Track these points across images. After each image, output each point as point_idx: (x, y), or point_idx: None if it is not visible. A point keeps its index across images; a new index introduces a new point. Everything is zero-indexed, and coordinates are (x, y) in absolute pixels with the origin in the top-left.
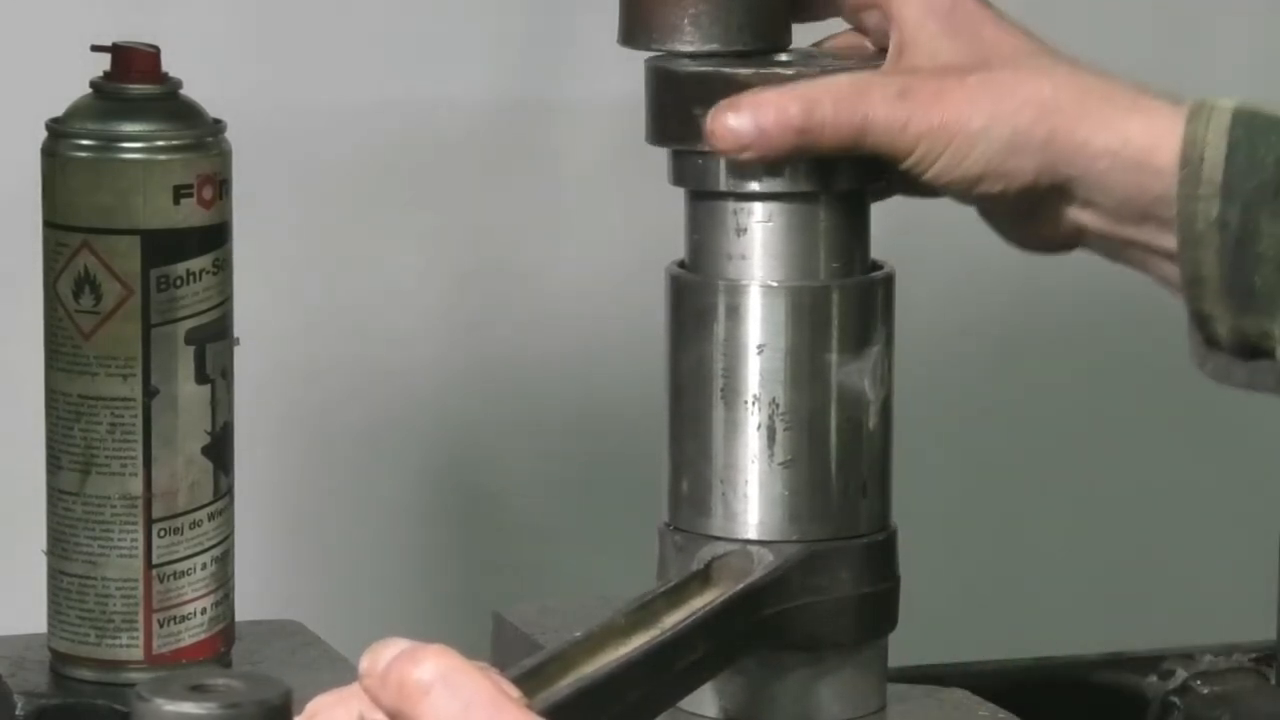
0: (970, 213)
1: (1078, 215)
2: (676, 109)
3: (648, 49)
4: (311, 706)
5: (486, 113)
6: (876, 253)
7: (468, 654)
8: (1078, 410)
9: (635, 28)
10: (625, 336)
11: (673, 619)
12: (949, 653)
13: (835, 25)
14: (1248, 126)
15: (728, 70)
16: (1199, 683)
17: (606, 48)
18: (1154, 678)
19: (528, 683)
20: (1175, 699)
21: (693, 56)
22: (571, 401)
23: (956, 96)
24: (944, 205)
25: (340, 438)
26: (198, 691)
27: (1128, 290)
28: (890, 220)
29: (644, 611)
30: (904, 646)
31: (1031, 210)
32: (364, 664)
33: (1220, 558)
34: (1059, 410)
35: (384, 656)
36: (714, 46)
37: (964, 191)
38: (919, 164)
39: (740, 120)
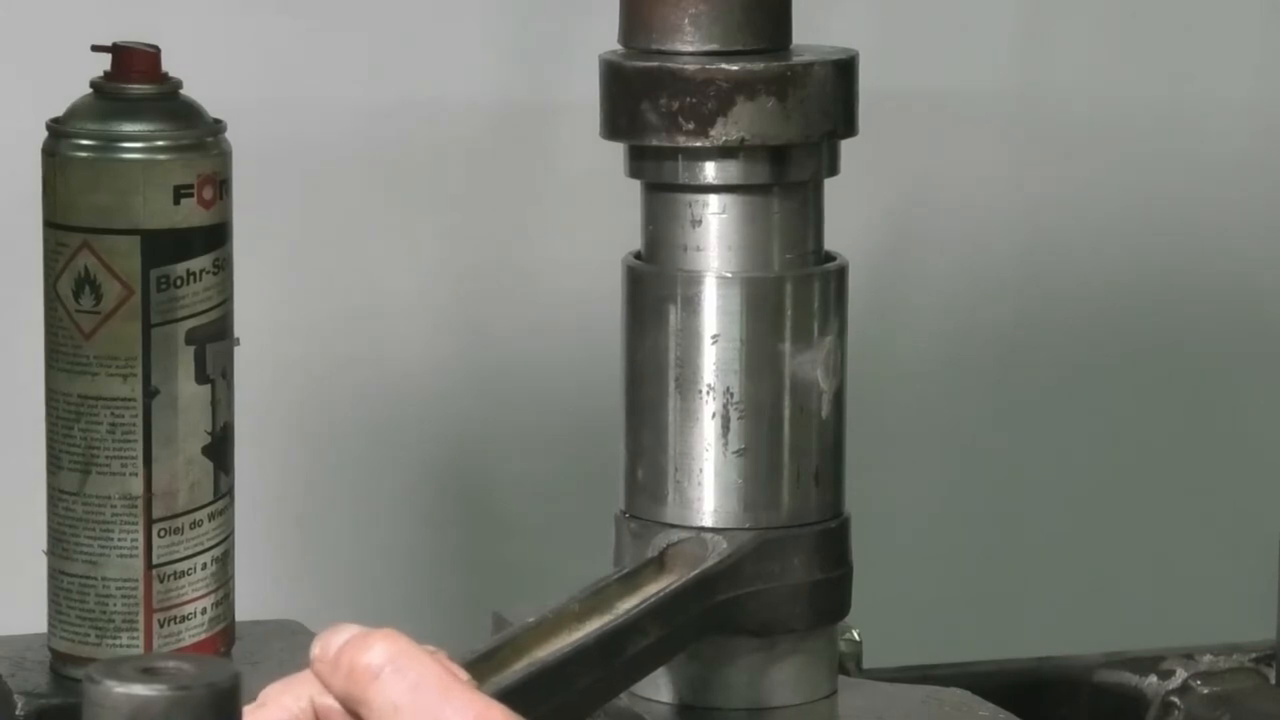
0: (968, 214)
1: None
2: (625, 103)
3: (652, 50)
4: (263, 694)
5: (486, 113)
6: (877, 253)
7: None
8: (1078, 410)
9: (635, 28)
10: (621, 337)
11: (626, 605)
12: (949, 653)
13: (830, 22)
14: None
15: (673, 65)
16: (1199, 683)
17: (606, 48)
18: (1154, 678)
19: (480, 667)
20: (1175, 699)
21: (693, 56)
22: (572, 401)
23: None
24: (943, 207)
25: (340, 438)
26: (148, 674)
27: (1130, 292)
28: (890, 221)
29: (598, 598)
30: (904, 646)
31: None
32: (315, 649)
33: (1220, 558)
34: (1059, 410)
35: (334, 642)
36: (714, 46)
37: None
38: None
39: None
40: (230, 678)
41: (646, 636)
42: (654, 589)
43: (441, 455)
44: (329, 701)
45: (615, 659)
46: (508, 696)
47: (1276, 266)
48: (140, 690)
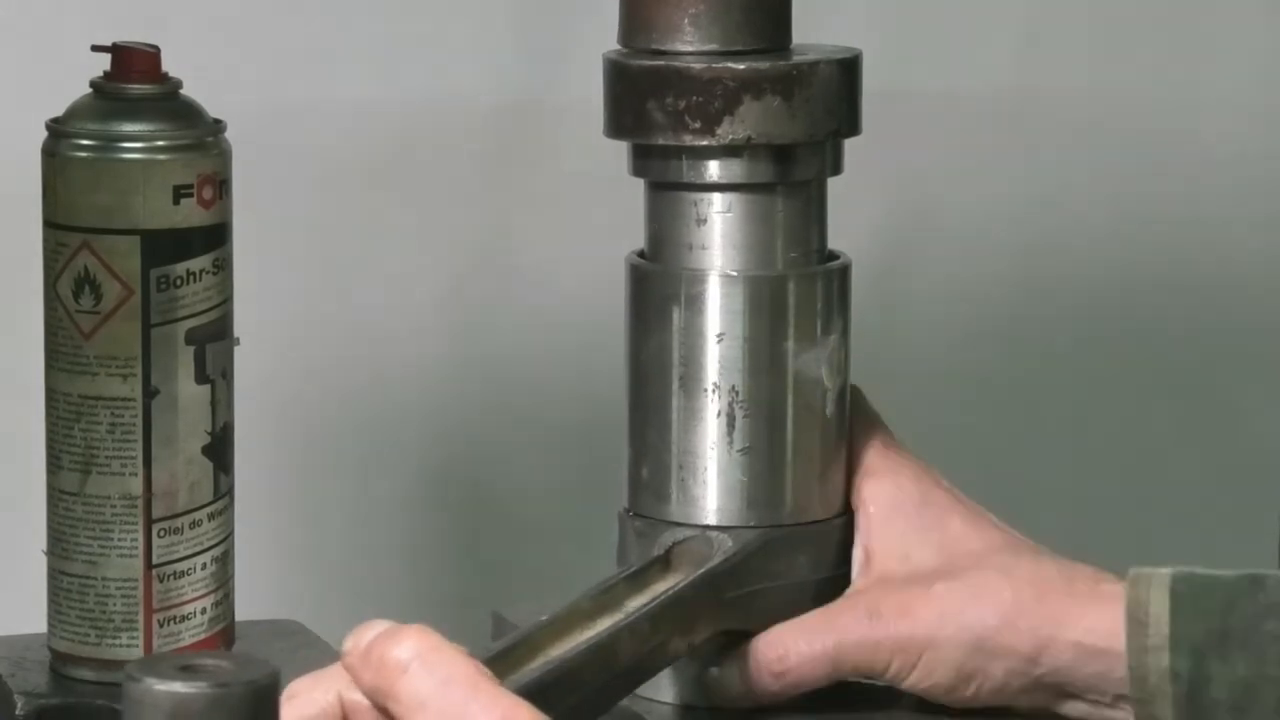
0: (969, 214)
1: (1058, 705)
2: (631, 102)
3: (655, 50)
4: (291, 689)
5: (486, 113)
6: (878, 253)
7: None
8: (1077, 409)
9: (635, 28)
10: (625, 336)
11: (635, 603)
12: None
13: (831, 22)
14: (1188, 582)
15: (679, 64)
16: None
17: (606, 48)
18: None
19: (497, 665)
20: None
21: (693, 56)
22: (571, 401)
23: (922, 610)
24: (943, 206)
25: (340, 438)
26: (187, 671)
27: (1130, 291)
28: (891, 220)
29: (607, 596)
30: None
31: (1017, 704)
32: (347, 644)
33: (1220, 558)
34: (1060, 409)
35: (366, 637)
36: (714, 46)
37: (940, 696)
38: (896, 678)
39: (728, 673)
40: (269, 675)
41: (659, 634)
42: (662, 587)
43: (442, 455)
44: (356, 697)
45: (628, 657)
46: (527, 695)
47: (1277, 266)
48: (180, 688)
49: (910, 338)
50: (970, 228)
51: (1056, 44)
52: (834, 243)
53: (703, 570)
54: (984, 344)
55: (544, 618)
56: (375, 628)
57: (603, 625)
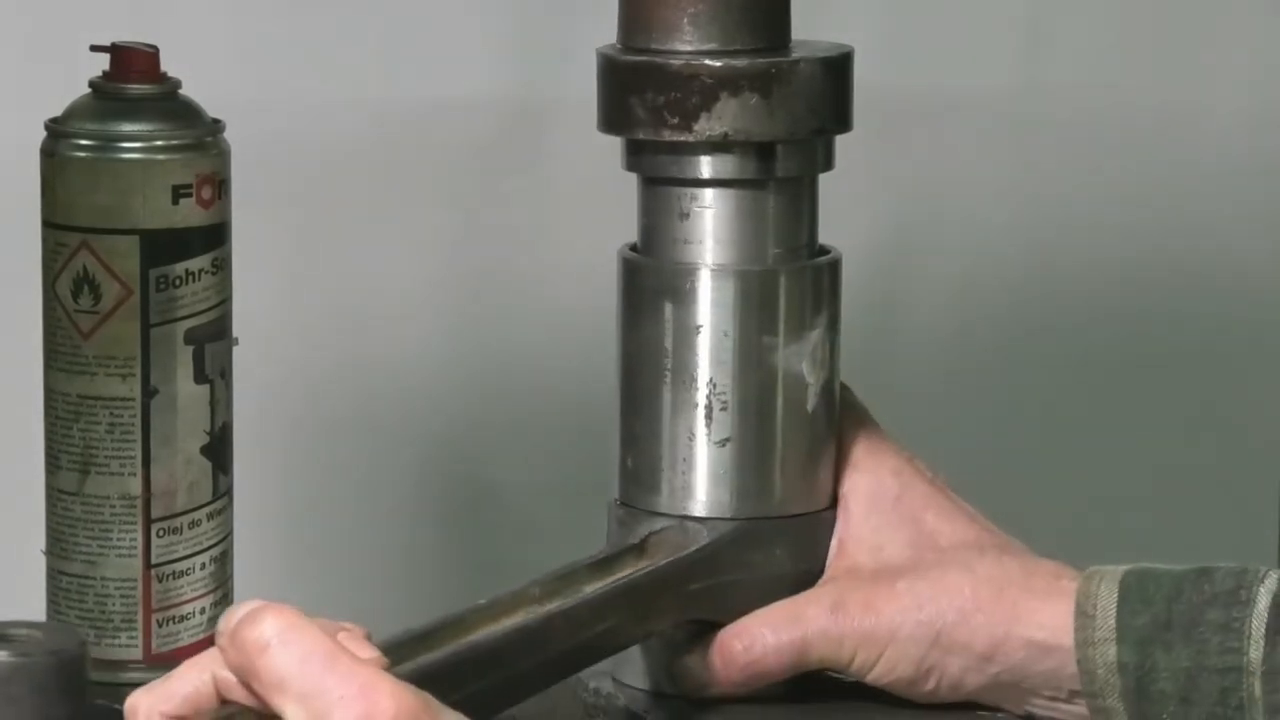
0: (970, 213)
1: (1018, 701)
2: (619, 98)
3: (647, 48)
4: (175, 670)
5: (486, 113)
6: (880, 251)
7: None
8: (1076, 408)
9: (635, 27)
10: (615, 328)
11: (593, 589)
12: None
13: (835, 19)
14: (1139, 576)
15: (660, 61)
16: None
17: None
18: None
19: (415, 645)
20: None
21: (692, 55)
22: (571, 401)
23: (884, 605)
24: (945, 205)
25: (340, 438)
26: None
27: (1131, 290)
28: (893, 219)
29: (562, 581)
30: None
31: (979, 700)
32: (219, 625)
33: (1220, 558)
34: (1059, 407)
35: (234, 618)
36: (713, 46)
37: (903, 691)
38: (859, 671)
39: (696, 662)
40: (76, 646)
41: (604, 621)
42: (621, 575)
43: (441, 455)
44: (226, 674)
45: (561, 642)
46: (430, 674)
47: (1277, 265)
48: None
49: (909, 337)
50: (971, 227)
51: (1058, 43)
52: (835, 241)
53: (667, 560)
54: (985, 342)
55: (482, 601)
56: (243, 608)
57: (545, 609)
